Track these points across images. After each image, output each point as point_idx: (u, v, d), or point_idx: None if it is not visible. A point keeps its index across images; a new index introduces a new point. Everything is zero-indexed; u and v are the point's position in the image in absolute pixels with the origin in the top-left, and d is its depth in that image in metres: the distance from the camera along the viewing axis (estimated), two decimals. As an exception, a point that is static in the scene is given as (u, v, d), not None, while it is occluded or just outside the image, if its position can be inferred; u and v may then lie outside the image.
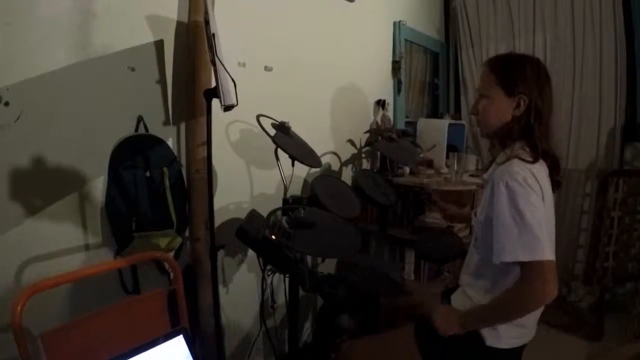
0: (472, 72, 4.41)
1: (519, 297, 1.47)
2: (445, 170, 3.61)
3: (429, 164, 3.68)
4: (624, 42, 3.65)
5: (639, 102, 3.78)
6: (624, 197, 3.47)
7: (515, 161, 1.51)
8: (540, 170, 1.54)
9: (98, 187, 1.82)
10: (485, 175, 1.71)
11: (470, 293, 1.71)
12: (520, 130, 1.58)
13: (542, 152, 1.56)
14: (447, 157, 3.67)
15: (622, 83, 3.70)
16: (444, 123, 3.81)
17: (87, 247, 1.80)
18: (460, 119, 4.39)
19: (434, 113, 4.60)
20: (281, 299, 2.48)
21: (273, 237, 1.64)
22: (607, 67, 3.71)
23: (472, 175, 3.45)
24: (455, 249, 2.58)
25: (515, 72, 1.59)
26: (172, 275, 1.75)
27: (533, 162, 1.52)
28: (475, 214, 1.73)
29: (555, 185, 1.63)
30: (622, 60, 3.67)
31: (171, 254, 1.98)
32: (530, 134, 1.57)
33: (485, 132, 1.71)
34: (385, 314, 2.12)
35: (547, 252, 1.41)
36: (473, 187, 3.13)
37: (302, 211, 1.82)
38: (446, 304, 1.81)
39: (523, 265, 1.43)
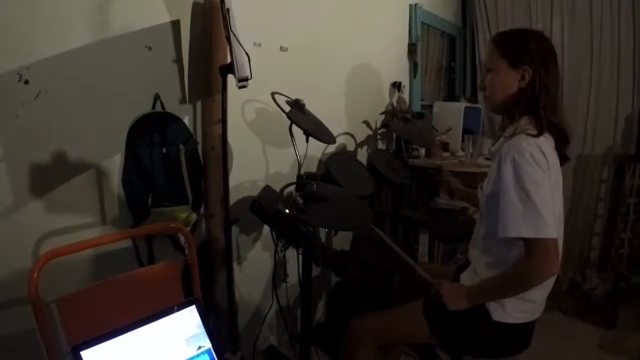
0: (490, 56, 4.35)
1: (521, 273, 1.49)
2: (461, 153, 3.61)
3: (445, 147, 3.67)
4: None
5: None
6: None
7: (523, 136, 1.51)
8: (548, 144, 1.54)
9: (115, 163, 1.86)
10: (492, 149, 1.72)
11: (477, 267, 1.73)
12: (526, 102, 1.59)
13: (548, 124, 1.56)
14: (463, 140, 3.65)
15: None
16: (460, 106, 3.80)
17: (104, 221, 1.84)
18: (477, 102, 4.36)
19: (451, 96, 4.59)
20: (294, 277, 2.50)
21: (287, 210, 1.66)
22: (625, 53, 3.68)
23: (487, 159, 3.44)
24: (469, 230, 2.57)
25: (518, 44, 1.60)
26: (186, 248, 1.78)
27: (538, 136, 1.52)
28: (482, 187, 1.73)
29: (563, 158, 1.64)
30: None
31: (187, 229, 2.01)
32: (536, 106, 1.57)
33: (492, 105, 1.72)
34: (401, 289, 2.14)
35: (550, 230, 1.42)
36: (487, 170, 3.11)
37: (315, 186, 1.84)
38: (457, 280, 1.84)
39: (526, 241, 1.45)
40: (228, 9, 1.58)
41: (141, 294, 1.57)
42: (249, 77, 1.68)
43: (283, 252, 2.12)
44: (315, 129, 2.22)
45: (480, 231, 1.74)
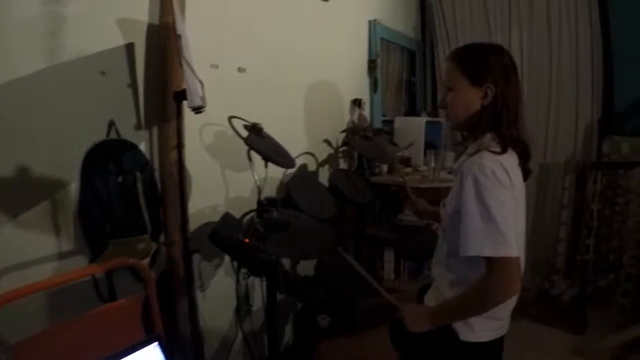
0: (449, 70, 4.39)
1: (482, 292, 1.47)
2: (423, 168, 3.62)
3: (407, 162, 3.68)
4: (599, 35, 3.70)
5: (616, 95, 3.82)
6: (603, 190, 3.52)
7: (485, 153, 1.49)
8: (510, 160, 1.53)
9: (70, 193, 1.79)
10: (454, 166, 1.71)
11: (440, 285, 1.70)
12: (489, 119, 1.57)
13: (510, 139, 1.55)
14: (425, 154, 3.67)
15: (599, 76, 3.74)
16: (421, 121, 3.83)
17: (60, 255, 1.77)
18: (438, 116, 4.40)
19: (412, 111, 4.61)
20: (260, 301, 2.46)
21: (246, 240, 1.62)
22: (583, 61, 3.75)
23: (450, 173, 3.45)
24: (433, 246, 2.57)
25: (479, 61, 1.58)
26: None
27: (502, 153, 1.51)
28: (444, 205, 1.72)
29: (526, 173, 1.63)
30: (598, 53, 3.71)
31: (147, 260, 1.96)
32: (499, 123, 1.56)
33: (455, 124, 1.69)
34: (366, 313, 2.11)
35: (512, 248, 1.41)
36: (451, 185, 3.12)
37: (276, 212, 1.80)
38: (420, 301, 1.80)
39: (488, 260, 1.43)
40: (179, 35, 1.54)
41: (102, 332, 1.52)
42: (203, 106, 1.64)
43: (246, 280, 2.07)
44: (274, 154, 2.19)
45: (442, 249, 1.72)
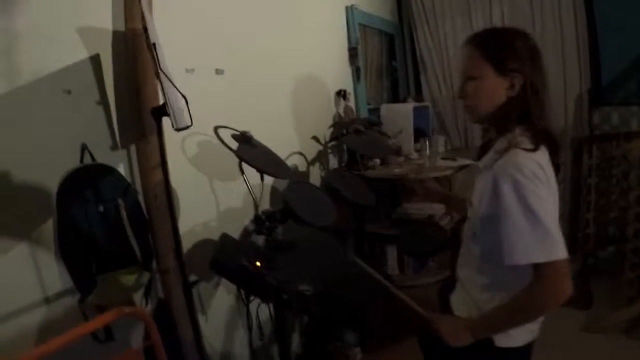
0: (430, 51, 4.33)
1: (534, 300, 1.37)
2: (415, 155, 3.53)
3: (397, 151, 3.55)
4: (582, 4, 3.64)
5: (603, 66, 3.79)
6: (598, 163, 3.47)
7: (519, 151, 1.37)
8: (543, 156, 1.41)
9: (48, 231, 1.62)
10: (480, 164, 1.56)
11: (469, 288, 1.61)
12: (517, 112, 1.44)
13: (542, 135, 1.42)
14: (415, 141, 3.59)
15: (585, 48, 3.70)
16: (409, 107, 3.71)
17: (47, 300, 1.60)
18: (423, 100, 4.28)
19: (395, 97, 4.49)
20: (265, 314, 2.30)
21: (258, 263, 1.47)
22: (568, 34, 3.71)
23: (444, 159, 3.33)
24: (440, 241, 2.46)
25: (505, 46, 1.44)
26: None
27: (535, 150, 1.38)
28: (471, 204, 1.59)
29: (556, 168, 1.49)
30: (582, 24, 3.67)
31: (141, 291, 1.82)
32: (529, 115, 1.43)
33: (477, 116, 1.55)
34: (382, 321, 1.99)
35: (561, 248, 1.31)
36: (449, 172, 3.00)
37: (279, 231, 1.64)
38: (444, 301, 1.72)
39: (538, 266, 1.33)
40: (154, 44, 1.35)
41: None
42: (190, 125, 1.47)
43: (252, 301, 1.90)
44: (268, 164, 2.05)
45: (472, 251, 1.59)
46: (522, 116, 1.43)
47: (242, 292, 1.87)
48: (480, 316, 1.52)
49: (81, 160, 1.70)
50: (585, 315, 3.11)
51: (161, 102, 1.54)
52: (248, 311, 1.91)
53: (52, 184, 1.59)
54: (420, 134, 3.67)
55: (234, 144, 1.97)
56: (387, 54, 4.46)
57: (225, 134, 1.98)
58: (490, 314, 1.49)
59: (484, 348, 1.50)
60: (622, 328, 2.90)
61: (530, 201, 1.30)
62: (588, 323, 3.02)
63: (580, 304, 3.19)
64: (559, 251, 1.30)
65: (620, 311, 3.00)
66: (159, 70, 1.37)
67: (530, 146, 1.38)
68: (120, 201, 1.75)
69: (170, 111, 1.40)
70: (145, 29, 1.39)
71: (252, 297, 1.88)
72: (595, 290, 3.31)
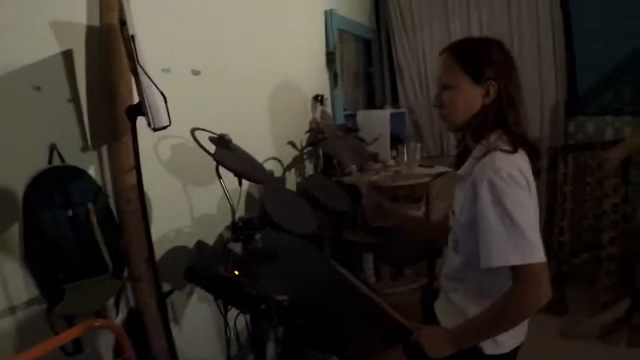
0: (407, 57, 4.31)
1: (513, 304, 1.37)
2: (391, 162, 3.51)
3: (374, 157, 3.52)
4: (560, 14, 3.67)
5: (579, 76, 3.83)
6: (574, 171, 3.51)
7: (497, 154, 1.38)
8: (523, 160, 1.42)
9: (13, 236, 1.53)
10: (460, 172, 1.56)
11: (453, 298, 1.60)
12: (493, 119, 1.45)
13: (520, 139, 1.44)
14: (392, 148, 3.58)
15: (562, 58, 3.74)
16: (385, 113, 3.69)
17: (11, 310, 1.51)
18: (399, 107, 4.26)
19: (371, 103, 4.45)
20: (241, 324, 2.22)
21: (236, 272, 1.40)
22: (544, 43, 3.74)
23: (421, 166, 3.30)
24: (418, 249, 2.43)
25: (481, 56, 1.47)
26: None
27: (514, 152, 1.39)
28: (454, 213, 1.60)
29: (536, 173, 1.50)
30: (560, 33, 3.70)
31: (112, 300, 1.75)
32: (504, 121, 1.44)
33: (453, 125, 1.57)
34: (359, 332, 1.93)
35: (538, 252, 1.32)
36: (426, 180, 2.97)
37: (259, 239, 1.57)
38: (428, 310, 1.72)
39: (514, 269, 1.33)
40: (132, 36, 1.27)
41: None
42: (168, 125, 1.39)
43: (224, 314, 1.83)
44: (247, 168, 1.99)
45: (454, 259, 1.60)
46: (498, 122, 1.45)
47: (219, 302, 1.78)
48: (462, 325, 1.51)
49: (49, 162, 1.62)
50: (560, 321, 3.12)
51: (136, 100, 1.47)
52: (226, 322, 1.84)
53: (18, 186, 1.51)
54: (396, 140, 3.67)
55: (211, 147, 1.90)
56: (364, 60, 4.42)
57: (202, 137, 1.91)
58: (471, 322, 1.49)
59: (472, 356, 1.50)
60: (597, 334, 2.93)
61: (506, 203, 1.31)
62: (564, 329, 3.04)
63: (555, 310, 3.19)
64: (536, 254, 1.31)
65: (595, 317, 3.03)
66: (137, 65, 1.29)
67: (508, 148, 1.40)
68: (90, 205, 1.67)
69: (148, 110, 1.33)
70: (123, 22, 1.30)
71: (229, 307, 1.80)
72: (570, 296, 3.33)
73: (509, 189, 1.32)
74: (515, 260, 1.30)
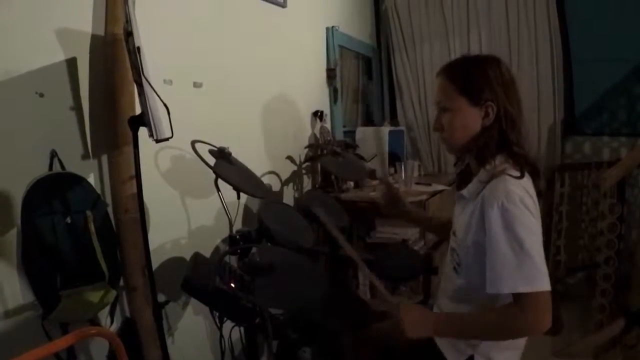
0: (407, 75, 4.33)
1: (509, 325, 1.35)
2: (389, 179, 3.45)
3: (372, 174, 3.51)
4: (558, 36, 3.71)
5: (577, 96, 3.88)
6: (570, 191, 3.54)
7: (507, 178, 1.35)
8: (530, 184, 1.40)
9: (11, 241, 1.53)
10: (465, 193, 1.52)
11: None
12: (494, 141, 1.42)
13: (523, 160, 1.41)
14: (390, 165, 3.59)
15: (559, 78, 3.76)
16: (384, 130, 3.69)
17: (6, 314, 1.52)
18: (398, 124, 4.28)
19: (370, 120, 4.47)
20: (235, 336, 2.21)
21: (233, 285, 1.40)
22: (543, 63, 3.77)
23: (418, 183, 3.32)
24: (415, 266, 2.46)
25: (477, 77, 1.44)
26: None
27: (521, 177, 1.37)
28: (455, 234, 1.57)
29: (538, 194, 1.46)
30: (558, 54, 3.73)
31: (107, 309, 1.74)
32: (507, 143, 1.42)
33: (453, 148, 1.55)
34: (352, 346, 1.92)
35: (545, 280, 1.28)
36: (424, 197, 2.98)
37: (256, 252, 1.58)
38: None
39: (520, 294, 1.30)
40: (138, 48, 1.28)
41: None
42: (170, 137, 1.40)
43: (220, 326, 1.82)
44: (246, 182, 1.99)
45: (453, 280, 1.56)
46: (500, 144, 1.42)
47: (215, 314, 1.78)
48: (450, 315, 1.51)
49: (50, 168, 1.63)
50: (554, 341, 3.10)
51: (138, 111, 1.48)
52: (221, 334, 1.83)
53: (18, 191, 1.52)
54: (394, 158, 3.67)
55: (211, 159, 1.91)
56: (364, 78, 4.44)
57: (202, 149, 1.92)
58: (460, 318, 1.48)
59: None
60: (591, 354, 2.92)
61: (517, 229, 1.28)
62: (558, 349, 3.02)
63: (550, 329, 3.17)
64: (543, 283, 1.27)
65: (590, 337, 3.02)
66: (142, 76, 1.30)
67: (516, 173, 1.37)
68: (88, 213, 1.66)
69: (151, 121, 1.33)
70: (129, 33, 1.32)
71: (224, 319, 1.79)
72: (565, 315, 3.28)
73: (521, 214, 1.29)
74: (524, 288, 1.28)
